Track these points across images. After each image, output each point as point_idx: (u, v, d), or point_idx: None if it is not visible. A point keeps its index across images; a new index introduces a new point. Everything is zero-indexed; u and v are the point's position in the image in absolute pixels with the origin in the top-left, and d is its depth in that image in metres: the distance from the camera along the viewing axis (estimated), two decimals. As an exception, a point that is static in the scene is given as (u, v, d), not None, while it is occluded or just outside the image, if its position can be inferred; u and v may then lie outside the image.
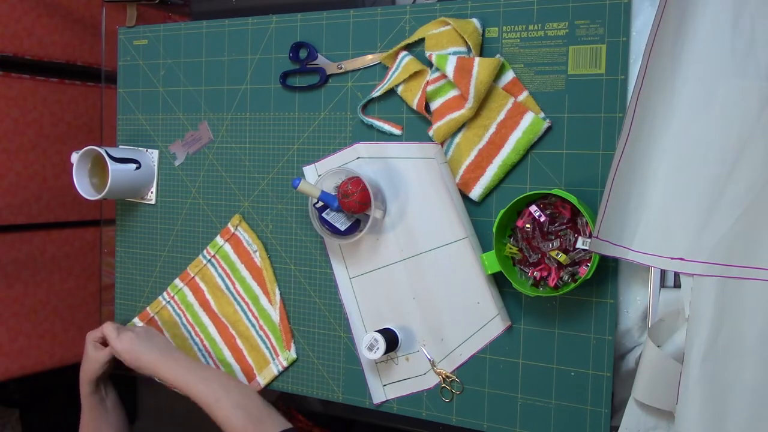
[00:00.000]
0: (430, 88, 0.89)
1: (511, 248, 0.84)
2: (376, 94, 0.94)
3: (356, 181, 0.90)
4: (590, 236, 0.78)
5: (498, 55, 0.86)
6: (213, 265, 1.07)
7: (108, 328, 1.02)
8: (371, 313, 0.96)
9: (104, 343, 1.04)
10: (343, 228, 0.94)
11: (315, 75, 0.99)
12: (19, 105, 1.36)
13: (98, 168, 1.09)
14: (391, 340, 0.91)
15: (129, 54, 1.16)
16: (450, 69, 0.85)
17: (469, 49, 0.87)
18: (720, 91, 0.72)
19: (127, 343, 0.99)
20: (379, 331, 0.91)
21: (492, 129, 0.86)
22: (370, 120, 0.95)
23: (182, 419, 2.06)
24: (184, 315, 1.10)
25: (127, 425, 1.09)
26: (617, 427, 0.80)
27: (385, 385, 0.95)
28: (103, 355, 1.03)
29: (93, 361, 1.04)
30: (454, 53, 0.86)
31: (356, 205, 0.90)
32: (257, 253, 1.03)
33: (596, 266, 0.77)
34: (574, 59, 0.83)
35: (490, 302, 0.88)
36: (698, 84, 0.73)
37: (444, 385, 0.91)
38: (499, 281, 0.89)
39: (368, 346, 0.90)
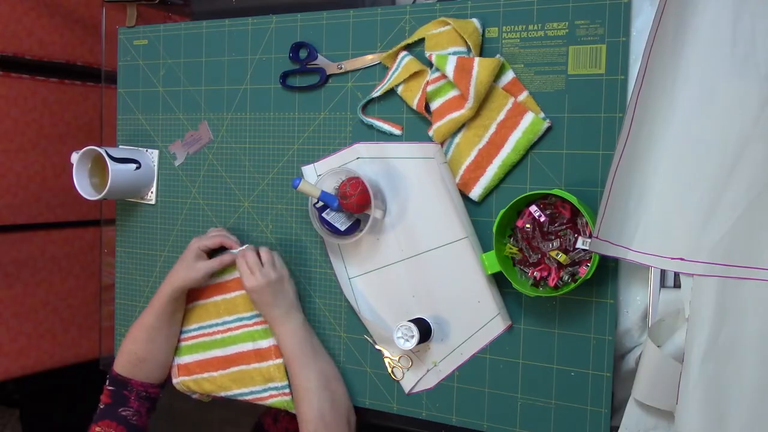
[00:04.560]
0: (430, 88, 0.89)
1: (511, 248, 0.84)
2: (376, 94, 0.94)
3: (355, 182, 0.90)
4: (590, 236, 0.78)
5: (498, 55, 0.86)
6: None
7: (241, 262, 0.96)
8: (371, 313, 0.96)
9: (208, 253, 1.01)
10: (343, 228, 0.94)
11: (315, 75, 0.99)
12: (19, 105, 1.36)
13: (98, 168, 1.09)
14: (425, 330, 0.90)
15: (129, 54, 1.16)
16: (450, 69, 0.85)
17: (469, 49, 0.87)
18: (720, 91, 0.72)
19: (259, 286, 0.94)
20: (412, 321, 0.89)
21: (492, 129, 0.86)
22: (370, 120, 0.95)
23: (180, 419, 2.06)
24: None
25: (175, 345, 1.06)
26: (617, 427, 0.80)
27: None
28: (206, 266, 0.99)
29: (191, 269, 0.99)
30: (454, 53, 0.86)
31: (354, 207, 0.90)
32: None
33: (596, 266, 0.77)
34: (574, 59, 0.83)
35: (491, 302, 0.88)
36: (698, 84, 0.73)
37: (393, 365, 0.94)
38: (499, 281, 0.89)
39: (402, 335, 0.88)
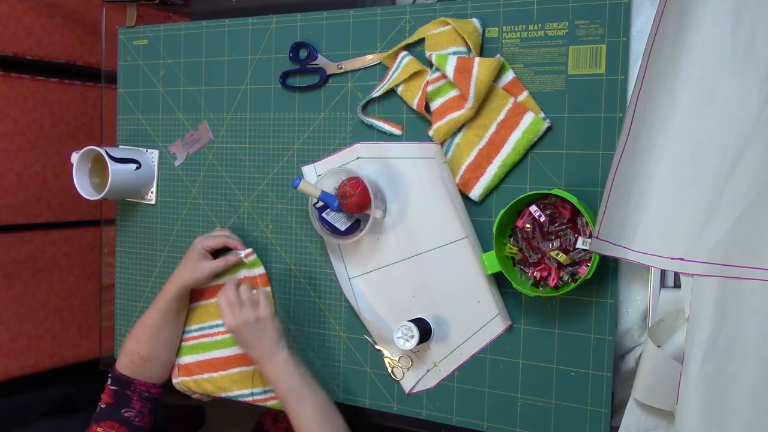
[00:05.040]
0: (430, 88, 0.89)
1: (511, 248, 0.84)
2: (376, 94, 0.94)
3: (355, 182, 0.90)
4: (590, 236, 0.78)
5: (498, 55, 0.86)
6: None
7: (222, 301, 0.91)
8: (371, 313, 0.96)
9: (213, 253, 1.00)
10: (343, 228, 0.94)
11: (315, 75, 0.99)
12: (19, 105, 1.36)
13: (98, 168, 1.09)
14: (425, 330, 0.89)
15: (129, 54, 1.16)
16: (450, 69, 0.85)
17: (469, 49, 0.87)
18: (720, 91, 0.72)
19: (238, 327, 0.90)
20: (412, 321, 0.89)
21: (492, 129, 0.86)
22: (370, 120, 0.95)
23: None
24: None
25: (178, 344, 1.05)
26: (617, 427, 0.80)
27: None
28: (211, 266, 0.98)
29: (196, 269, 0.99)
30: (454, 53, 0.86)
31: (354, 207, 0.90)
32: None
33: (596, 266, 0.77)
34: (574, 59, 0.83)
35: (491, 302, 0.88)
36: (698, 84, 0.73)
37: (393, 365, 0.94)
38: (499, 281, 0.89)
39: (402, 335, 0.88)
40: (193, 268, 0.99)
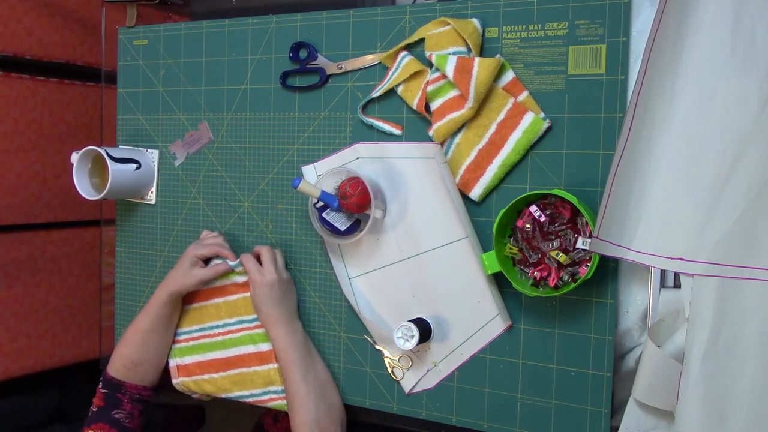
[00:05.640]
0: (430, 88, 0.89)
1: (511, 248, 0.84)
2: (376, 94, 0.94)
3: (355, 183, 0.90)
4: (590, 236, 0.78)
5: (498, 55, 0.86)
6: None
7: (249, 259, 0.96)
8: (371, 313, 0.96)
9: (205, 261, 1.02)
10: (343, 228, 0.94)
11: (315, 75, 0.99)
12: (19, 105, 1.36)
13: (98, 168, 1.09)
14: (425, 330, 0.90)
15: (129, 54, 1.16)
16: (450, 69, 0.85)
17: (469, 49, 0.87)
18: (720, 91, 0.72)
19: (267, 283, 0.95)
20: (412, 321, 0.89)
21: (492, 129, 0.86)
22: (370, 120, 0.95)
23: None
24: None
25: (169, 348, 1.07)
26: (617, 427, 0.80)
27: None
28: (201, 274, 1.00)
29: (187, 276, 1.00)
30: (454, 53, 0.86)
31: (354, 207, 0.90)
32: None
33: (596, 266, 0.77)
34: (574, 59, 0.83)
35: (491, 302, 0.88)
36: (698, 84, 0.73)
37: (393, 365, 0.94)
38: (499, 281, 0.89)
39: (402, 335, 0.88)
40: (184, 275, 1.01)
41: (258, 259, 0.99)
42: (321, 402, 0.92)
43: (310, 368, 0.94)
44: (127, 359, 1.02)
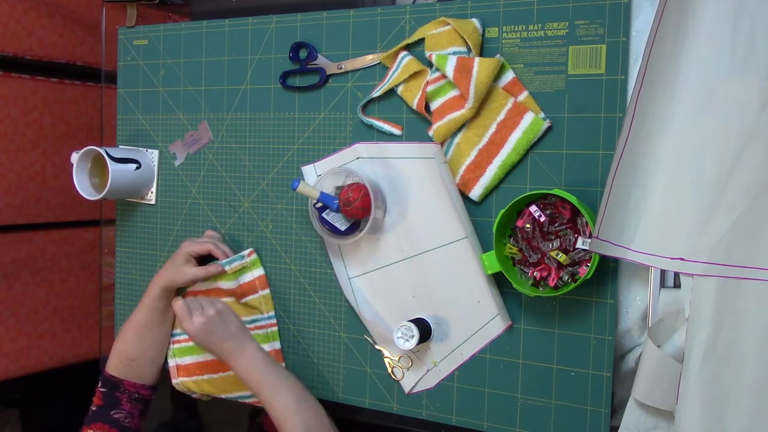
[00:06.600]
0: (430, 88, 0.89)
1: (511, 248, 0.84)
2: (376, 94, 0.94)
3: (356, 187, 0.90)
4: (590, 236, 0.78)
5: (498, 55, 0.86)
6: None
7: (178, 308, 0.91)
8: (371, 313, 0.96)
9: (198, 258, 1.02)
10: (343, 228, 0.94)
11: (315, 75, 0.99)
12: (19, 105, 1.36)
13: (98, 168, 1.09)
14: (425, 330, 0.89)
15: (129, 54, 1.16)
16: (450, 69, 0.85)
17: (469, 49, 0.87)
18: (720, 91, 0.72)
19: (200, 327, 0.90)
20: (412, 321, 0.89)
21: (492, 129, 0.86)
22: (370, 120, 0.95)
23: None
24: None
25: (166, 345, 1.07)
26: (617, 427, 0.80)
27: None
28: (192, 272, 1.00)
29: (178, 272, 1.00)
30: (454, 53, 0.86)
31: (360, 211, 0.90)
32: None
33: (596, 266, 0.77)
34: (574, 59, 0.83)
35: (491, 302, 0.88)
36: (698, 84, 0.73)
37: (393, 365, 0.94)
38: (499, 281, 0.89)
39: (402, 335, 0.88)
40: (175, 270, 1.01)
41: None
42: (303, 410, 0.88)
43: (281, 384, 0.89)
44: (124, 355, 1.02)
